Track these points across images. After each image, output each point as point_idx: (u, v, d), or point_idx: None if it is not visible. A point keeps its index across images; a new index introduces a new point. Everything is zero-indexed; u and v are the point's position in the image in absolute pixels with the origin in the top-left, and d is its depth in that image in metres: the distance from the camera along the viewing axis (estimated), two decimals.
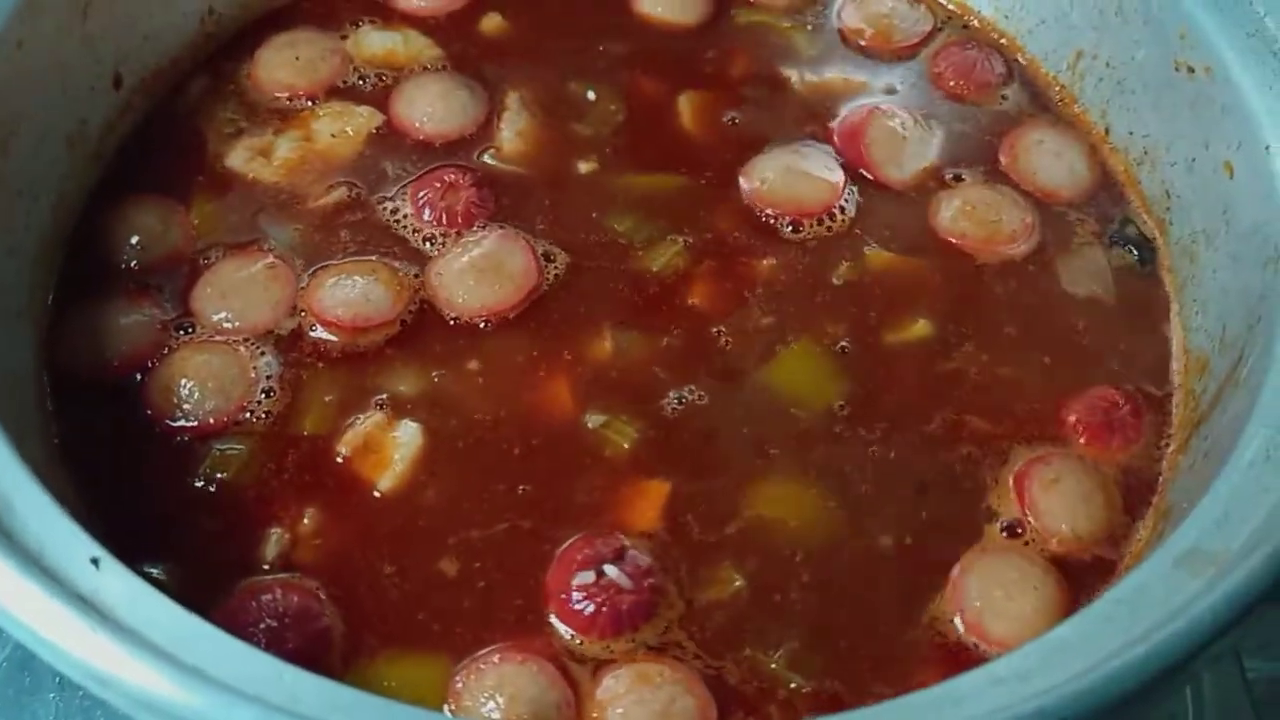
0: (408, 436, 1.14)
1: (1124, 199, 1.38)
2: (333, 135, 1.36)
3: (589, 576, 1.04)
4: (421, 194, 1.30)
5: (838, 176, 1.35)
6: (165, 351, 1.17)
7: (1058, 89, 1.48)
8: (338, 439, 1.14)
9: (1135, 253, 1.34)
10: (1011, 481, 1.16)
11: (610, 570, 1.04)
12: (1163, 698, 0.87)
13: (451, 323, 1.22)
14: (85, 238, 1.26)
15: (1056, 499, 1.13)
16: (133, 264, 1.25)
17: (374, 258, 1.26)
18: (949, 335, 1.25)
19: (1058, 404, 1.21)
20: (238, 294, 1.21)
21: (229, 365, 1.16)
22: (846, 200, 1.34)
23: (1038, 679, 0.84)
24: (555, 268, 1.26)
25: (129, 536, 0.95)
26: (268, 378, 1.17)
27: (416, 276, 1.24)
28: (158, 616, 0.83)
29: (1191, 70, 1.29)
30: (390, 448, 1.14)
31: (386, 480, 1.12)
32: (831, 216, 1.32)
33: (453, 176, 1.31)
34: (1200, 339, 1.24)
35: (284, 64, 1.42)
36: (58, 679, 1.24)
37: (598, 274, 1.26)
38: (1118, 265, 1.33)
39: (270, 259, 1.25)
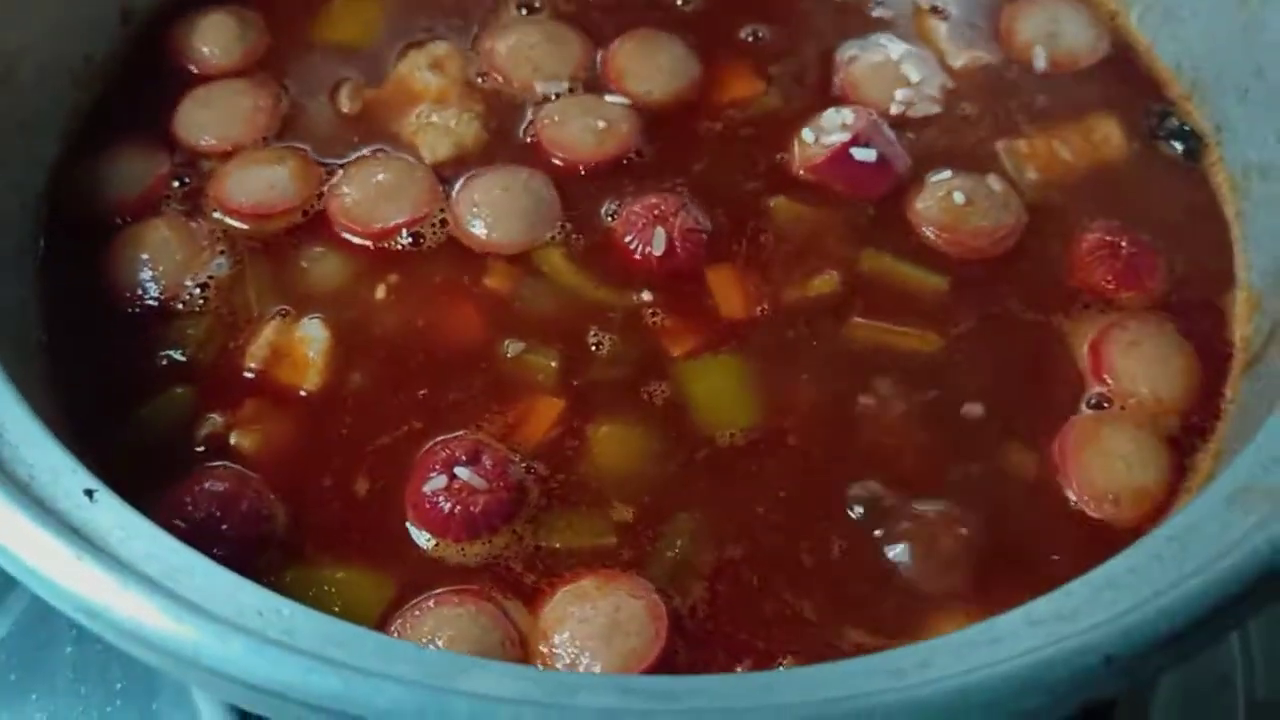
0: (313, 332, 1.12)
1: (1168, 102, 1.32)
2: None
3: (441, 481, 1.00)
4: None
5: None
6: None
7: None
8: (244, 354, 1.11)
9: (1180, 146, 1.28)
10: (1086, 350, 1.12)
11: (462, 472, 1.00)
12: (1213, 639, 0.81)
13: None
14: (88, 178, 1.23)
15: (1137, 361, 1.10)
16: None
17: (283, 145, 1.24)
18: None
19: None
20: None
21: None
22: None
23: (1083, 618, 0.79)
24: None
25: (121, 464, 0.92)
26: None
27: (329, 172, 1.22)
28: (151, 549, 0.81)
29: None
30: (301, 347, 1.11)
31: (311, 378, 1.10)
32: None
33: None
34: (1255, 277, 1.18)
35: None
36: (75, 633, 1.23)
37: None
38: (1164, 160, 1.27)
39: None
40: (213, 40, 1.32)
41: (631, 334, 1.13)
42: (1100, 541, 1.01)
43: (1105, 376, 1.11)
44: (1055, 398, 1.11)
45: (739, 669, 0.95)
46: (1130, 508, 1.04)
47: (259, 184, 1.20)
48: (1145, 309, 1.16)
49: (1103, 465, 1.05)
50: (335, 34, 1.36)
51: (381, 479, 1.04)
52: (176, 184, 1.22)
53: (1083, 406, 1.10)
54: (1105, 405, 1.10)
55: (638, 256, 1.16)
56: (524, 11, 1.37)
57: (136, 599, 0.76)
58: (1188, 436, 1.09)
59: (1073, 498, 1.05)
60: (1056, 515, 1.05)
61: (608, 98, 1.27)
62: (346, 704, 0.73)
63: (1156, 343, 1.13)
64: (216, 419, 1.07)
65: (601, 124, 1.23)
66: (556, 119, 1.25)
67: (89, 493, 0.83)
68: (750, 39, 1.36)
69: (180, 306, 1.14)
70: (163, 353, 1.11)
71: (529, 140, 1.25)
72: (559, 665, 0.94)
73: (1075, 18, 1.37)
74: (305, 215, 1.20)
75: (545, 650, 0.95)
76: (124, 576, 0.77)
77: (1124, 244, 1.18)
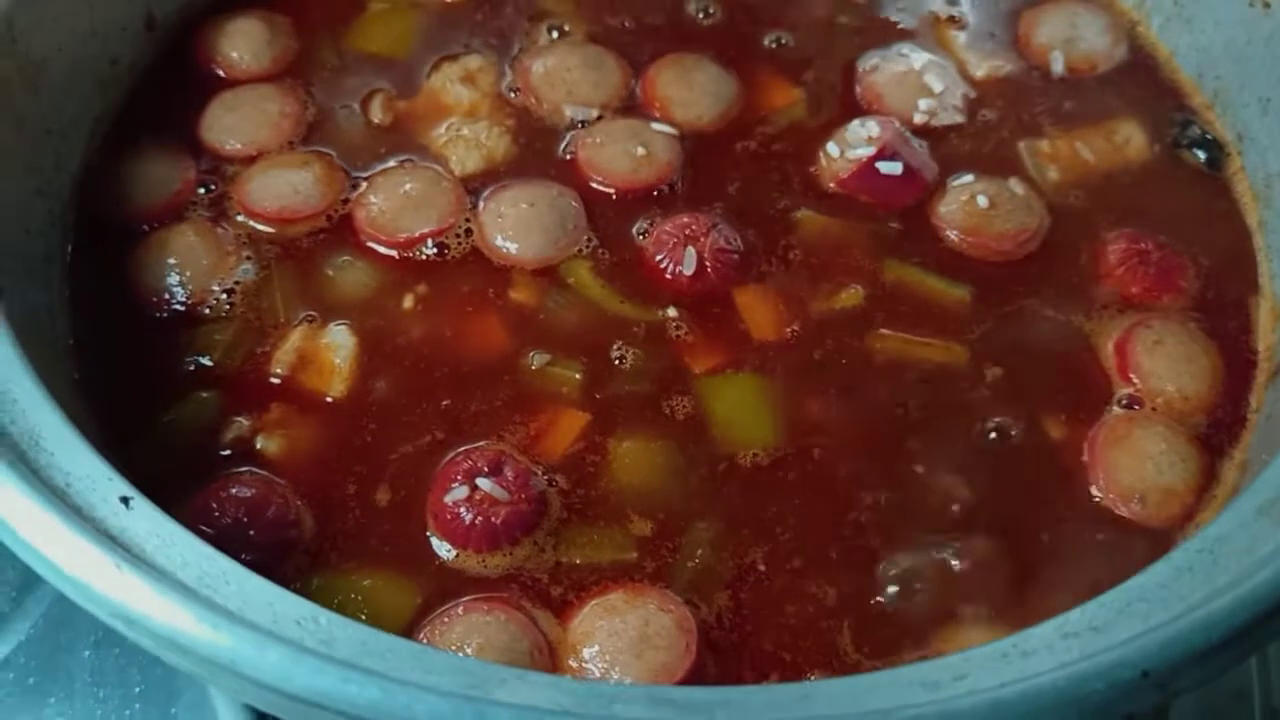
0: (340, 339, 1.12)
1: (1190, 111, 1.32)
2: None
3: (462, 492, 1.00)
4: None
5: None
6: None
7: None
8: (270, 360, 1.11)
9: (1202, 155, 1.28)
10: (1112, 349, 1.12)
11: (484, 483, 1.00)
12: (1248, 653, 0.81)
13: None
14: (115, 183, 1.23)
15: (1162, 360, 1.11)
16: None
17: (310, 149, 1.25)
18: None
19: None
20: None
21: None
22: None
23: (1116, 630, 0.79)
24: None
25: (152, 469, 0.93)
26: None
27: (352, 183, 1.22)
28: (187, 556, 0.81)
29: (1267, 5, 1.24)
30: (327, 354, 1.12)
31: (337, 385, 1.10)
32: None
33: None
34: (1279, 286, 1.19)
35: None
36: (94, 637, 1.23)
37: None
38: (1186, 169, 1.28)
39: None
40: (242, 45, 1.32)
41: (654, 349, 1.13)
42: (1129, 541, 1.03)
43: (1132, 376, 1.11)
44: (1084, 399, 1.11)
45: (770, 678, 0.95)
46: (1156, 508, 1.04)
47: (284, 187, 1.20)
48: (1174, 310, 1.17)
49: (1131, 465, 1.06)
50: (368, 44, 1.36)
51: (403, 488, 1.04)
52: (202, 190, 1.22)
53: (1114, 407, 1.11)
54: (1136, 406, 1.10)
55: (668, 276, 1.15)
56: (555, 34, 1.36)
57: (174, 606, 0.76)
58: (1216, 436, 1.09)
59: (1099, 495, 1.05)
60: (1084, 514, 1.05)
61: (654, 125, 1.26)
62: (385, 714, 0.73)
63: (1180, 340, 1.13)
64: (243, 423, 1.07)
65: (641, 151, 1.23)
66: (599, 140, 1.25)
67: (125, 500, 0.83)
68: (775, 45, 1.36)
69: (207, 312, 1.14)
70: (190, 358, 1.11)
71: (567, 158, 1.25)
72: (589, 679, 0.93)
73: (1094, 23, 1.37)
74: (329, 220, 1.20)
75: (575, 665, 0.95)
76: (162, 584, 0.77)
77: (1151, 249, 1.19)
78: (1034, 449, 1.08)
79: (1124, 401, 1.11)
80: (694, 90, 1.29)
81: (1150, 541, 1.03)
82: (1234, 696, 1.22)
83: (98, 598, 0.77)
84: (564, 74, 1.29)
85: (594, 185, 1.23)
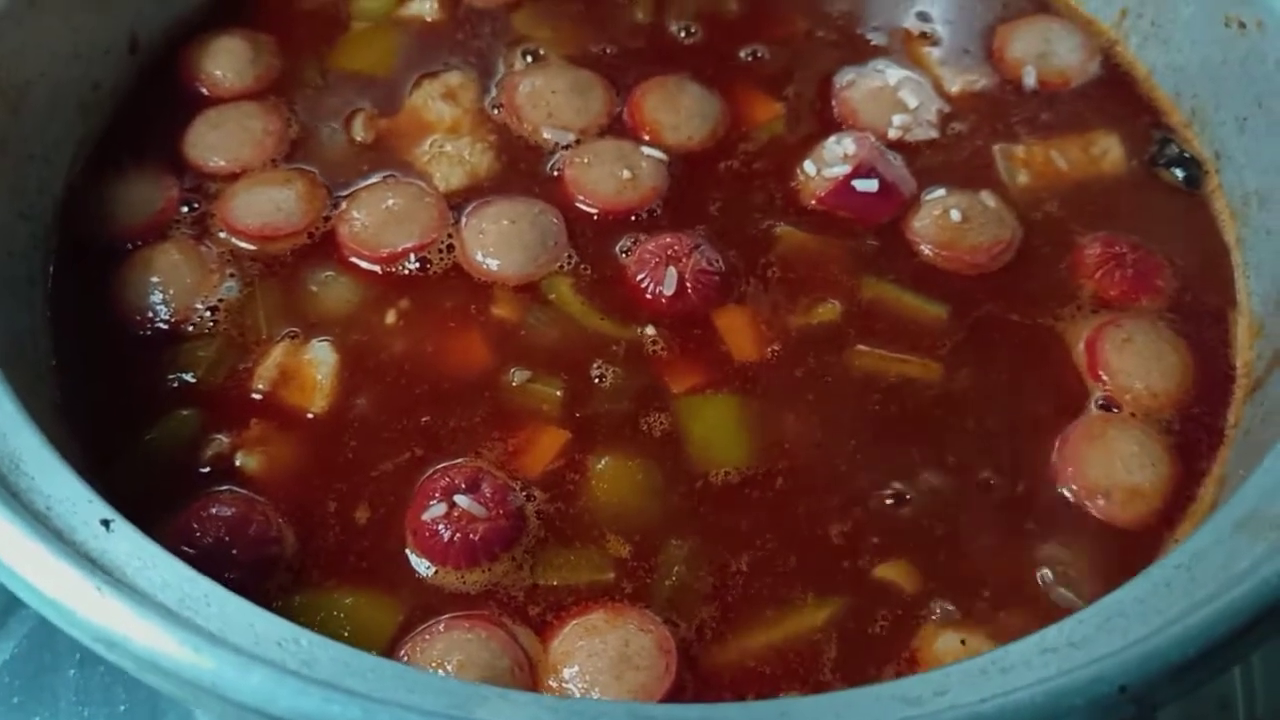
0: (322, 355, 1.13)
1: (1168, 129, 1.33)
2: None
3: (440, 509, 1.00)
4: None
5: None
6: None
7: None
8: (252, 375, 1.12)
9: (1180, 173, 1.29)
10: (1083, 348, 1.14)
11: (461, 500, 1.00)
12: (1224, 668, 0.82)
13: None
14: (98, 203, 1.23)
15: (1130, 358, 1.12)
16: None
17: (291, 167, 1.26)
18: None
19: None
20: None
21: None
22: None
23: (1095, 646, 0.80)
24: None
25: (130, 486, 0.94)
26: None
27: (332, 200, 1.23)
28: (169, 578, 0.81)
29: (1243, 25, 1.25)
30: (309, 369, 1.12)
31: (318, 401, 1.10)
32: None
33: None
34: (1256, 303, 1.19)
35: None
36: (78, 656, 1.23)
37: None
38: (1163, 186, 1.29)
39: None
40: (225, 63, 1.33)
41: (634, 367, 1.13)
42: (1100, 540, 1.04)
43: (1101, 374, 1.13)
44: (1061, 403, 1.12)
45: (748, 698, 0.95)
46: (1121, 507, 1.05)
47: (266, 205, 1.20)
48: (1149, 310, 1.18)
49: (1101, 460, 1.07)
50: (351, 63, 1.36)
51: (382, 506, 1.04)
52: (185, 208, 1.22)
53: (1091, 407, 1.12)
54: (1114, 409, 1.12)
55: (648, 295, 1.16)
56: (529, 59, 1.37)
57: (156, 629, 0.76)
58: (1191, 445, 1.10)
59: (1069, 493, 1.06)
60: (1057, 513, 1.06)
61: (644, 149, 1.26)
62: None
63: (1150, 338, 1.14)
64: (222, 440, 1.08)
65: (627, 174, 1.23)
66: (586, 160, 1.25)
67: (105, 523, 0.83)
68: (750, 59, 1.37)
69: (191, 329, 1.14)
70: (173, 375, 1.11)
71: (554, 174, 1.26)
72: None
73: (1067, 39, 1.39)
74: (311, 238, 1.20)
75: (555, 685, 0.95)
76: (143, 607, 0.77)
77: (1126, 251, 1.20)
78: (1012, 454, 1.09)
79: (1100, 403, 1.12)
80: (681, 113, 1.30)
81: (1119, 542, 1.04)
82: (1218, 706, 1.22)
83: (79, 621, 0.77)
84: (548, 96, 1.30)
85: (578, 204, 1.23)
